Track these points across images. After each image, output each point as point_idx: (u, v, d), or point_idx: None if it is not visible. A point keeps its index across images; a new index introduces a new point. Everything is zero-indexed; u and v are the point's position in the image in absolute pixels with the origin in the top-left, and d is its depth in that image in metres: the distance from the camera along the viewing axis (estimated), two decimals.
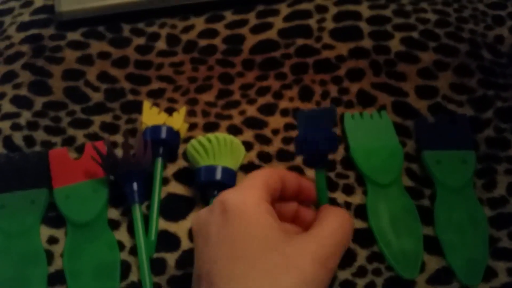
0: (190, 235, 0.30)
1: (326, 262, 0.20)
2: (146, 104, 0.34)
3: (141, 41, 0.39)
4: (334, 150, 0.24)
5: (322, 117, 0.23)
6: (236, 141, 0.32)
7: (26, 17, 0.41)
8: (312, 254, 0.20)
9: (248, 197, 0.21)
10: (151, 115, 0.33)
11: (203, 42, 0.39)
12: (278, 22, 0.40)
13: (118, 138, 0.34)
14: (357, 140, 0.33)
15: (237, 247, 0.20)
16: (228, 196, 0.21)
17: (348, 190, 0.32)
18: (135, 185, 0.30)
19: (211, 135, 0.31)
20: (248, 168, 0.33)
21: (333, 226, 0.22)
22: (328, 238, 0.21)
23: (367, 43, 0.38)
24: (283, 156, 0.33)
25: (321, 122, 0.23)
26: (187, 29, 0.40)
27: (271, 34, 0.39)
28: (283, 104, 0.36)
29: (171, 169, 0.33)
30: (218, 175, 0.30)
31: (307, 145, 0.23)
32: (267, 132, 0.34)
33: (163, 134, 0.32)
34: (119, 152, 0.33)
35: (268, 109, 0.35)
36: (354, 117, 0.34)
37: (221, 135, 0.31)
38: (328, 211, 0.23)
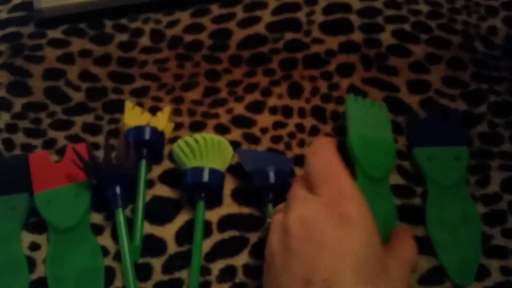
0: (177, 238, 0.30)
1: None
2: (128, 104, 0.33)
3: (124, 37, 0.38)
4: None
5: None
6: (224, 141, 0.31)
7: (3, 15, 0.39)
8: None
9: (363, 206, 0.22)
10: (133, 116, 0.32)
11: (188, 38, 0.38)
12: (266, 16, 0.39)
13: (100, 139, 0.33)
14: (357, 126, 0.30)
15: (359, 258, 0.20)
16: (347, 206, 0.22)
17: None
18: (117, 189, 0.29)
19: (198, 136, 0.30)
20: (236, 168, 0.32)
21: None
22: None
23: (357, 36, 0.37)
24: None
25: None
26: (172, 24, 0.38)
27: (259, 28, 0.38)
28: (272, 101, 0.35)
29: (156, 171, 0.32)
30: (206, 177, 0.29)
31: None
32: (255, 130, 0.33)
33: (147, 135, 0.31)
34: (101, 154, 0.32)
35: (256, 107, 0.34)
36: (357, 100, 0.32)
37: (209, 136, 0.30)
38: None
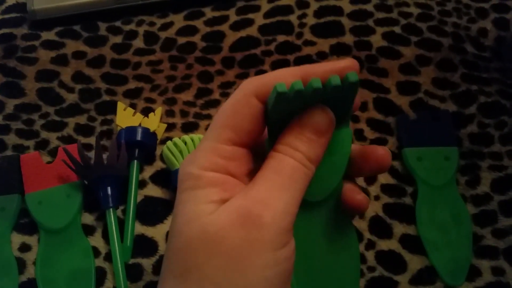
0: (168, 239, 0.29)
1: None
2: (120, 105, 0.33)
3: (117, 39, 0.38)
4: None
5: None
6: None
7: None
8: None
9: (183, 172, 0.17)
10: (125, 117, 0.32)
11: (182, 40, 0.38)
12: (259, 18, 0.39)
13: (93, 140, 0.33)
14: None
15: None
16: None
17: None
18: (108, 190, 0.29)
19: (186, 137, 0.31)
20: None
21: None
22: None
23: (348, 38, 0.37)
24: None
25: None
26: (165, 27, 0.39)
27: (252, 30, 0.38)
28: None
29: (148, 171, 0.32)
30: None
31: None
32: None
33: (138, 136, 0.31)
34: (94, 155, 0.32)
35: None
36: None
37: (196, 136, 0.30)
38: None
